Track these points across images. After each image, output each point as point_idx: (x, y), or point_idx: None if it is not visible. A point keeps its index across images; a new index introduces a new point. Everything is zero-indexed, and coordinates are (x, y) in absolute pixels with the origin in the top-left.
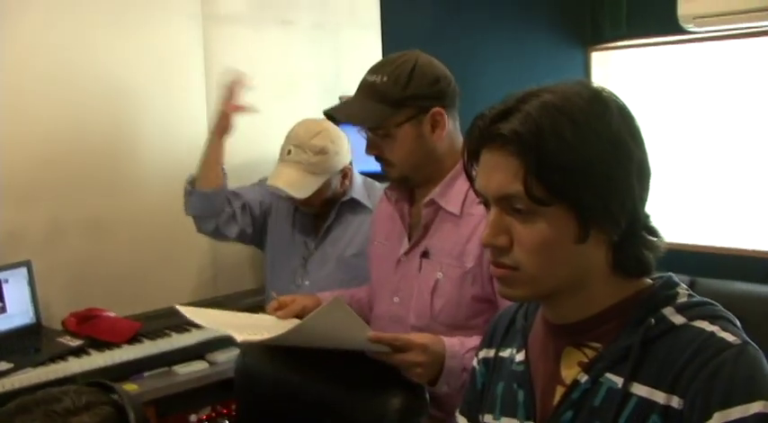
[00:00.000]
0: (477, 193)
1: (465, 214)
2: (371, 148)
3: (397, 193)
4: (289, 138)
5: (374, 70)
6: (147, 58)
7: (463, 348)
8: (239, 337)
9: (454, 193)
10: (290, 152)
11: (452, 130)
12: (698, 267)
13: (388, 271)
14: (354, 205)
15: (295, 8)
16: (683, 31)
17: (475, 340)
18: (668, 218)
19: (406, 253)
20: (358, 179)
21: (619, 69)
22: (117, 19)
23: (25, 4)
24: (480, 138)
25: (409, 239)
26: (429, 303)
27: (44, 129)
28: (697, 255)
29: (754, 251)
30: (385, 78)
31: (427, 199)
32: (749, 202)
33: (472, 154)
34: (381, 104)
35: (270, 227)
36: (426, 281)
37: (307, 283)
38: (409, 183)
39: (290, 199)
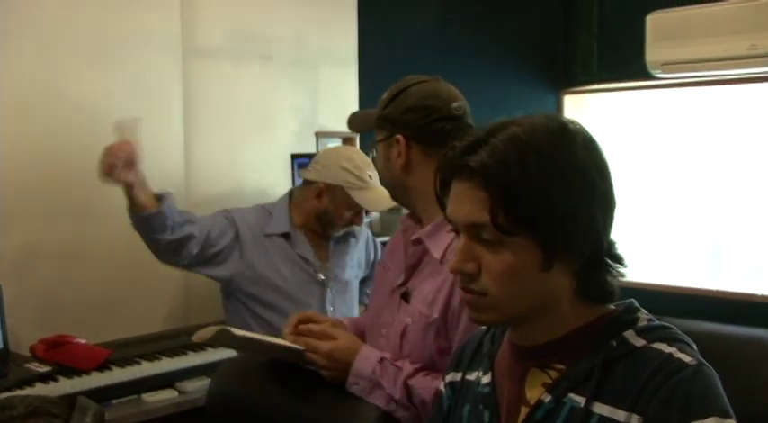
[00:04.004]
0: (449, 221)
1: (446, 261)
2: None
3: (407, 223)
4: (364, 164)
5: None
6: (126, 89)
7: (379, 358)
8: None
9: (442, 237)
10: (370, 177)
11: (428, 169)
12: (662, 307)
13: (383, 299)
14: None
15: (274, 44)
16: (652, 77)
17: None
18: (635, 257)
19: (399, 286)
20: None
21: (590, 112)
22: (97, 49)
23: (4, 32)
24: (451, 169)
25: (405, 273)
26: (399, 347)
27: (18, 154)
28: (661, 294)
29: (718, 291)
30: (384, 95)
31: (415, 236)
32: (713, 242)
33: (444, 183)
34: (373, 118)
35: (254, 264)
36: (399, 323)
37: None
38: (401, 205)
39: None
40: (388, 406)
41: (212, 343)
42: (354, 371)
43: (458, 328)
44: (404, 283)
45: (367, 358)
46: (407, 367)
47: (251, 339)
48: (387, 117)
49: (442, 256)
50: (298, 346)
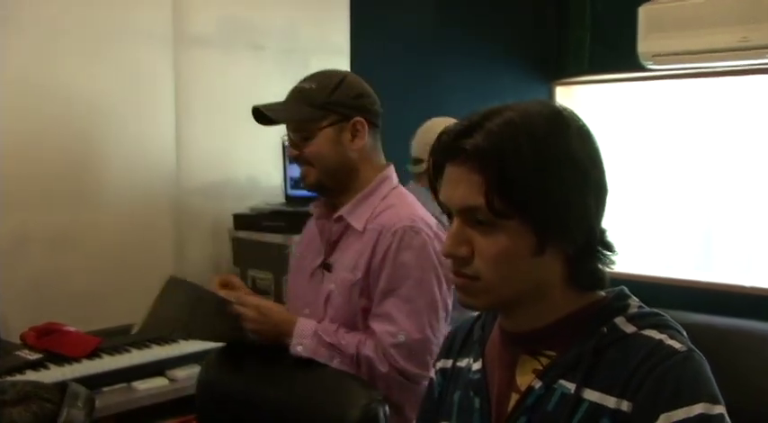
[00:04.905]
0: (441, 205)
1: (366, 230)
2: (293, 148)
3: (320, 210)
4: None
5: (305, 79)
6: (118, 78)
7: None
8: None
9: (362, 211)
10: None
11: (371, 146)
12: (653, 298)
13: (302, 284)
14: None
15: (266, 33)
16: (643, 69)
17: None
18: (625, 248)
19: (318, 266)
20: None
21: (582, 103)
22: (89, 38)
23: None
24: (445, 152)
25: (325, 251)
26: (323, 313)
27: (11, 143)
28: (652, 285)
29: (708, 283)
30: (314, 85)
31: (337, 215)
32: (703, 234)
33: (437, 167)
34: (308, 107)
35: None
36: (323, 292)
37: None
38: (324, 190)
39: None
40: (332, 361)
41: (162, 296)
42: (298, 332)
43: (378, 286)
44: (324, 260)
45: (307, 322)
46: (331, 326)
47: (193, 286)
48: (339, 102)
49: (364, 227)
50: (230, 298)
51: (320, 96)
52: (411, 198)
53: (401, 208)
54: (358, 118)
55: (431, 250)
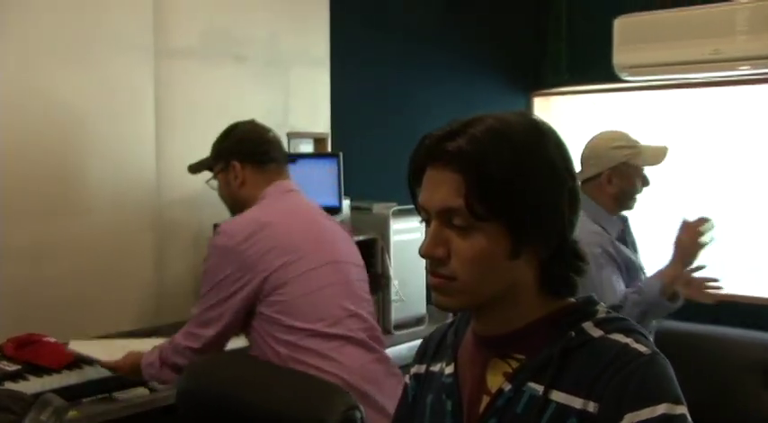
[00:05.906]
0: (419, 209)
1: None
2: None
3: None
4: (625, 134)
5: None
6: (98, 89)
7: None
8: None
9: None
10: (636, 140)
11: (258, 178)
12: None
13: None
14: None
15: (247, 45)
16: (620, 80)
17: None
18: None
19: None
20: None
21: (559, 114)
22: (69, 49)
23: None
24: (427, 155)
25: None
26: None
27: None
28: None
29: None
30: (217, 138)
31: None
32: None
33: (417, 171)
34: (209, 158)
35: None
36: None
37: None
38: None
39: None
40: (152, 378)
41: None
42: (142, 368)
43: None
44: None
45: (146, 356)
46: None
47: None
48: (223, 150)
49: None
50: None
51: (214, 147)
52: (279, 206)
53: (247, 213)
54: (232, 162)
55: (228, 252)
